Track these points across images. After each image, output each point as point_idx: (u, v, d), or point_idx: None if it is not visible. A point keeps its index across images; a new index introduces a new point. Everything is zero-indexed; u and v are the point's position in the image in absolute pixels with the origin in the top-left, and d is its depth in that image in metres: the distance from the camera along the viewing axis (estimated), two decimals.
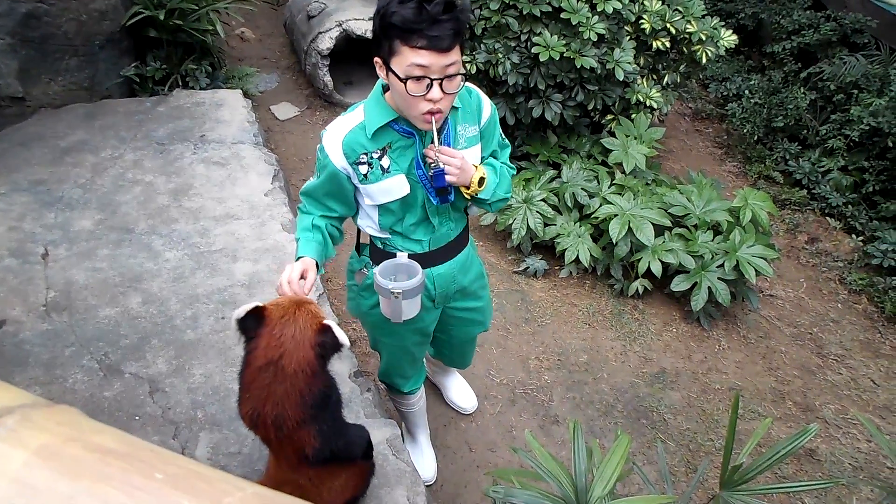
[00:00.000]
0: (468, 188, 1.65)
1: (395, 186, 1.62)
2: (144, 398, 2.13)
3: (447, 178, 1.58)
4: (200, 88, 3.81)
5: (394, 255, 1.75)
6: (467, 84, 1.63)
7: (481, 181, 1.65)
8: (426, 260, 1.76)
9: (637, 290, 3.30)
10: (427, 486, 2.41)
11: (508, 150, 1.86)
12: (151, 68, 3.71)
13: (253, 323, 1.44)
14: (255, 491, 0.45)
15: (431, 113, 1.49)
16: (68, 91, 3.42)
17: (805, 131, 4.56)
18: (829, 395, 3.08)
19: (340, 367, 2.35)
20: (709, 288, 3.17)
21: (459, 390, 2.73)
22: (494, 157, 1.81)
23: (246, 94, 3.92)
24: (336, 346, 1.46)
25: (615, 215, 3.24)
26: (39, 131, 3.19)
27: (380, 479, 2.00)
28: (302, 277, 1.59)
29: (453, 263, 1.84)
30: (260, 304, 1.45)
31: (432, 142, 1.58)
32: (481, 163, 1.74)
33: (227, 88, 3.87)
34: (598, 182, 3.49)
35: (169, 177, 3.08)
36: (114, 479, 0.45)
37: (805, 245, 4.02)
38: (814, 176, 4.30)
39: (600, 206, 3.34)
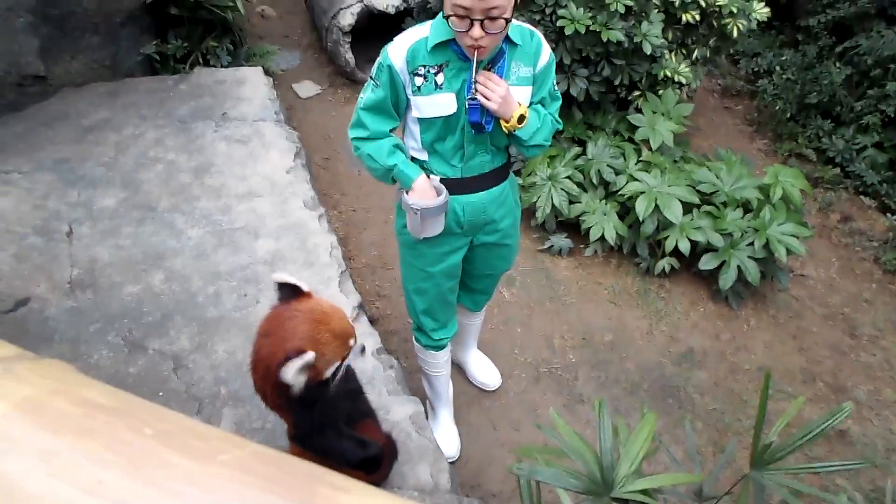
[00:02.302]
0: (507, 122, 1.69)
1: (444, 103, 1.69)
2: (168, 374, 2.14)
3: (487, 103, 1.64)
4: (222, 66, 3.79)
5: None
6: (532, 28, 1.72)
7: (521, 119, 1.69)
8: (457, 186, 1.81)
9: (664, 268, 3.23)
10: (450, 462, 2.39)
11: (558, 104, 1.87)
12: (172, 46, 3.70)
13: (287, 294, 1.45)
14: (254, 449, 0.41)
15: (474, 48, 1.56)
16: (90, 69, 3.42)
17: (839, 108, 4.41)
18: (861, 375, 3.00)
19: (364, 344, 2.33)
20: (738, 266, 3.09)
21: (481, 367, 2.70)
22: (543, 106, 1.83)
23: (267, 72, 3.90)
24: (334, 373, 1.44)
25: (642, 192, 3.17)
26: (62, 110, 3.20)
27: (403, 456, 1.99)
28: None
29: (485, 195, 1.86)
30: (305, 288, 1.45)
31: (480, 70, 1.65)
32: (529, 106, 1.77)
33: (249, 66, 3.85)
34: (625, 159, 3.42)
35: (191, 155, 3.07)
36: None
37: (838, 224, 3.91)
38: (847, 153, 4.17)
39: (626, 183, 3.26)
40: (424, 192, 1.74)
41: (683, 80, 3.55)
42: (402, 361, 2.80)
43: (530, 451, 1.82)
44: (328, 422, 1.60)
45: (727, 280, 3.09)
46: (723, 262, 3.12)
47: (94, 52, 3.40)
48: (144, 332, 2.26)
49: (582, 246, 3.40)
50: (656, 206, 3.13)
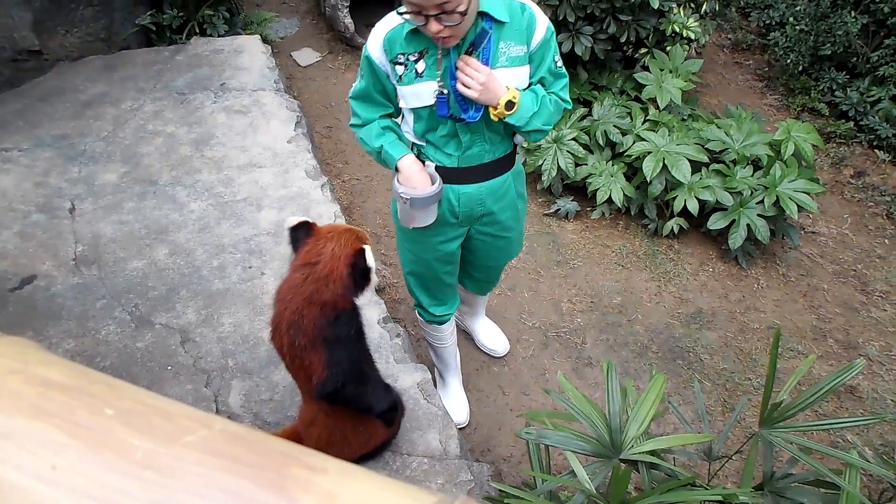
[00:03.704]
0: (495, 109, 1.58)
1: (426, 92, 1.59)
2: (176, 348, 2.14)
3: (466, 91, 1.53)
4: (218, 35, 3.72)
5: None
6: (526, 2, 1.58)
7: (511, 105, 1.57)
8: (453, 175, 1.72)
9: (672, 229, 3.19)
10: (460, 428, 2.41)
11: (564, 82, 1.72)
12: (168, 16, 3.63)
13: (303, 234, 1.51)
14: (223, 427, 0.39)
15: (439, 39, 1.48)
16: (85, 43, 3.37)
17: (854, 59, 4.28)
18: (872, 332, 2.97)
19: (370, 314, 2.33)
20: (747, 225, 3.05)
21: (489, 333, 2.69)
22: (544, 85, 1.69)
23: (265, 40, 3.83)
24: (366, 270, 1.48)
25: (649, 152, 3.11)
26: (59, 85, 3.17)
27: (412, 423, 2.00)
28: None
29: (483, 187, 1.77)
30: (310, 220, 1.53)
31: (461, 55, 1.54)
32: (527, 88, 1.65)
33: (246, 34, 3.78)
34: (632, 119, 3.34)
35: (190, 127, 3.04)
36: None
37: (850, 179, 3.83)
38: (862, 106, 4.06)
39: (633, 143, 3.20)
40: (411, 174, 1.65)
41: (692, 36, 3.45)
42: (410, 329, 2.80)
43: (539, 416, 1.82)
44: (363, 360, 1.63)
45: (737, 239, 3.04)
46: (732, 222, 3.07)
47: (89, 25, 3.34)
48: (151, 307, 2.27)
49: (589, 209, 3.36)
50: (664, 165, 3.07)
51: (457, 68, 1.55)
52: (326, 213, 2.70)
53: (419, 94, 1.60)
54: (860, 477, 1.46)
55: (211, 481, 0.36)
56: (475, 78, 1.52)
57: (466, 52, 1.55)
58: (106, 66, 3.32)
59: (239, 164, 2.87)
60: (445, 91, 1.57)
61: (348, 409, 1.68)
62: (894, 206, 3.59)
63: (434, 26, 1.44)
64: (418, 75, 1.58)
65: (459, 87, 1.54)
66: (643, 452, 1.58)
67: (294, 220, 1.53)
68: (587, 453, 1.61)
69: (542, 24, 1.60)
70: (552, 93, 1.69)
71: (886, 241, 3.44)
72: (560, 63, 1.69)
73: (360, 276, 1.49)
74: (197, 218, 2.61)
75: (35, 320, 2.16)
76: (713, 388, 2.69)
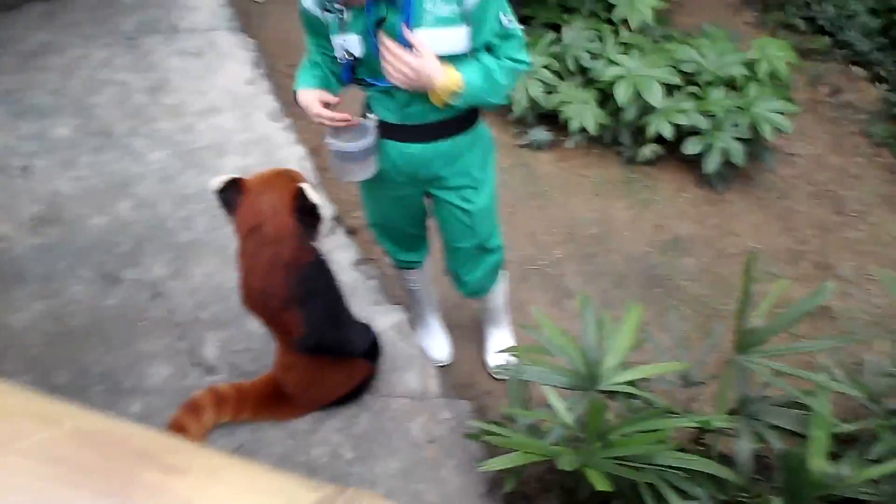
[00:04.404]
0: (437, 95, 1.43)
1: (351, 45, 1.45)
2: (147, 303, 2.10)
3: (397, 80, 1.39)
4: None
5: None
6: None
7: (455, 95, 1.43)
8: (395, 132, 1.58)
9: (647, 155, 3.14)
10: (442, 366, 2.42)
11: (517, 41, 1.51)
12: None
13: (234, 194, 1.43)
14: (75, 426, 0.34)
15: None
16: None
17: None
18: (847, 252, 2.99)
19: (341, 256, 2.29)
20: (722, 149, 3.01)
21: (495, 345, 2.42)
22: (490, 50, 1.50)
23: None
24: (313, 208, 1.40)
25: (621, 77, 3.02)
26: None
27: (390, 364, 1.99)
28: (326, 106, 1.51)
29: (429, 148, 1.61)
30: (236, 175, 1.44)
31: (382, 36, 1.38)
32: (470, 55, 1.47)
33: None
34: (602, 42, 3.23)
35: (143, 73, 2.89)
36: None
37: (827, 97, 3.78)
38: (839, 21, 3.96)
39: (605, 68, 3.11)
40: (307, 105, 1.51)
41: None
42: (387, 270, 2.77)
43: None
44: (338, 305, 1.60)
45: (712, 163, 3.01)
46: (708, 146, 3.03)
47: None
48: (117, 263, 2.20)
49: (562, 138, 3.29)
50: (637, 90, 3.00)
51: (378, 40, 1.39)
52: (292, 156, 2.62)
53: (345, 45, 1.46)
54: (832, 397, 1.49)
55: (41, 496, 0.31)
56: (402, 66, 1.37)
57: (386, 15, 1.38)
58: (46, 12, 3.12)
59: (197, 110, 2.75)
60: (349, 55, 1.45)
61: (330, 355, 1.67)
62: (870, 123, 3.56)
63: None
64: (342, 26, 1.44)
65: (389, 76, 1.40)
66: (620, 383, 1.59)
67: (218, 182, 1.44)
68: (564, 386, 1.62)
69: None
70: (507, 58, 1.50)
71: (861, 159, 3.43)
72: (510, 21, 1.48)
73: (308, 217, 1.43)
74: (158, 168, 2.52)
75: None
76: (691, 314, 2.71)
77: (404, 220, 1.89)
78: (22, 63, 2.87)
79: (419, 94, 1.49)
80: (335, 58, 1.54)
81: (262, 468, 0.36)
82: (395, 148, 1.61)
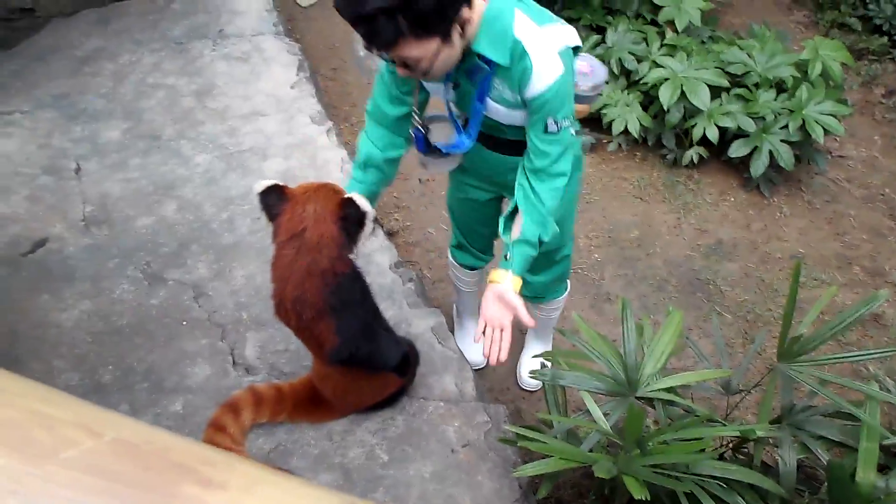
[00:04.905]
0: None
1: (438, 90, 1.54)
2: (190, 303, 2.15)
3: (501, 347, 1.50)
4: None
5: None
6: (530, 46, 1.32)
7: (523, 280, 1.53)
8: (481, 138, 1.59)
9: (692, 158, 3.08)
10: (478, 370, 2.41)
11: (557, 150, 1.45)
12: None
13: (276, 200, 1.43)
14: (116, 437, 0.33)
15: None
16: None
17: None
18: None
19: (381, 259, 2.31)
20: (770, 152, 2.92)
21: (528, 364, 2.42)
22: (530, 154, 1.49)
23: None
24: (360, 217, 1.41)
25: (666, 79, 2.97)
26: (54, 43, 3.10)
27: (427, 367, 2.00)
28: None
29: (508, 159, 1.62)
30: (280, 182, 1.44)
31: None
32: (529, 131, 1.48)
33: None
34: (647, 44, 3.18)
35: (191, 77, 2.97)
36: None
37: (882, 99, 3.64)
38: None
39: (650, 70, 3.05)
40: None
41: None
42: (426, 272, 2.78)
43: (554, 356, 1.80)
44: (371, 316, 1.61)
45: (758, 167, 2.93)
46: (754, 148, 2.95)
47: None
48: (162, 264, 2.26)
49: (605, 140, 3.25)
50: (682, 92, 2.94)
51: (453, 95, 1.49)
52: (334, 159, 2.65)
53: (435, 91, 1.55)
54: (882, 407, 1.43)
55: None
56: (499, 337, 1.49)
57: (460, 82, 1.44)
58: (100, 19, 3.24)
59: (242, 114, 2.81)
60: (422, 128, 1.52)
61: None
62: None
63: (401, 71, 1.34)
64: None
65: (490, 355, 1.49)
66: (659, 390, 1.56)
67: (263, 184, 1.44)
68: (602, 392, 1.59)
69: (540, 83, 1.34)
70: (542, 179, 1.48)
71: None
72: (561, 124, 1.42)
73: (353, 226, 1.44)
74: (203, 171, 2.58)
75: (50, 283, 2.17)
76: (734, 320, 2.65)
77: (476, 219, 1.91)
78: (76, 68, 2.98)
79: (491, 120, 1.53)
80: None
81: (300, 482, 0.36)
82: (477, 150, 1.62)
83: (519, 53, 1.33)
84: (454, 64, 1.36)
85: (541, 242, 1.53)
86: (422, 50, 1.26)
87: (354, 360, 1.56)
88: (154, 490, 0.32)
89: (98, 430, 0.34)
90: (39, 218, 2.38)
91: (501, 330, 1.49)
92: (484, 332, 1.49)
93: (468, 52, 1.36)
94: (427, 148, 1.57)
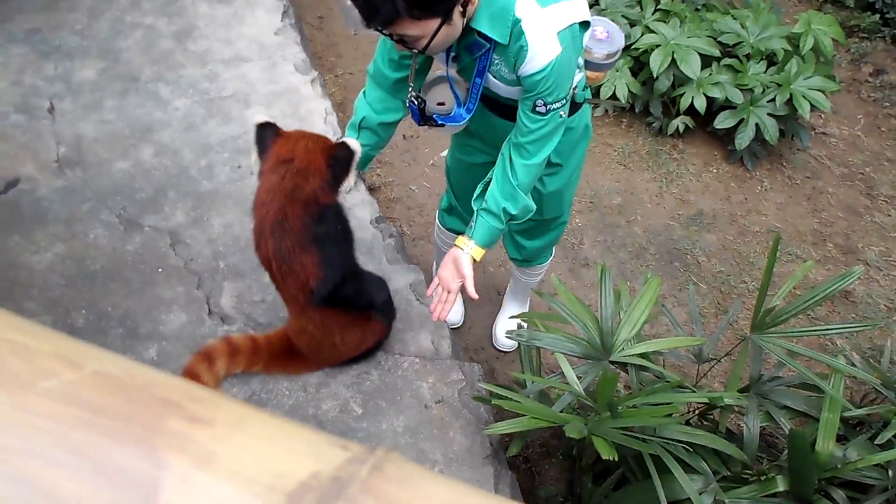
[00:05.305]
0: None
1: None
2: (166, 250, 2.12)
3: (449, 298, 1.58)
4: None
5: None
6: (527, 26, 1.31)
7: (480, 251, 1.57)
8: (483, 101, 1.58)
9: (678, 127, 3.07)
10: (454, 329, 2.43)
11: (540, 131, 1.45)
12: None
13: (270, 136, 1.44)
14: (97, 370, 0.32)
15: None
16: None
17: None
18: (874, 236, 2.93)
19: (361, 213, 2.29)
20: (756, 125, 2.93)
21: (504, 325, 2.43)
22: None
23: None
24: (348, 159, 1.42)
25: (657, 45, 2.94)
26: None
27: (404, 324, 2.00)
28: None
29: (502, 122, 1.61)
30: (278, 125, 1.46)
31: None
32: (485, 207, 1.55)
33: None
34: (641, 8, 3.14)
35: (170, 18, 2.86)
36: None
37: (869, 78, 3.65)
38: None
39: (642, 35, 3.02)
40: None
41: None
42: (405, 229, 2.76)
43: (531, 317, 1.82)
44: (355, 259, 1.61)
45: (744, 139, 2.94)
46: (741, 121, 2.95)
47: None
48: (139, 209, 2.22)
49: (592, 105, 3.22)
50: (673, 60, 2.91)
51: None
52: (317, 110, 2.59)
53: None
54: (845, 381, 1.47)
55: (60, 439, 0.30)
56: (445, 299, 1.56)
57: (461, 56, 1.44)
58: None
59: (224, 58, 2.73)
60: (416, 100, 1.51)
61: (343, 310, 1.67)
62: None
63: (398, 46, 1.35)
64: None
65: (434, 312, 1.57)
66: (633, 355, 1.59)
67: (262, 118, 1.45)
68: (577, 355, 1.62)
69: (534, 62, 1.33)
70: (515, 163, 1.49)
71: None
72: (550, 107, 1.41)
73: (340, 167, 1.43)
74: (182, 116, 2.51)
75: (21, 224, 2.12)
76: (709, 290, 2.69)
77: (474, 183, 1.89)
78: (50, 3, 2.85)
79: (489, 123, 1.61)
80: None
81: (290, 422, 0.35)
82: (483, 115, 1.61)
83: (517, 33, 1.32)
84: (454, 40, 1.36)
85: (511, 217, 1.55)
86: (421, 29, 1.26)
87: (341, 294, 1.55)
88: (138, 424, 0.31)
89: (78, 363, 0.33)
90: (10, 157, 2.31)
91: (449, 292, 1.56)
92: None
93: (468, 29, 1.36)
94: (423, 120, 1.56)
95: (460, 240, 1.57)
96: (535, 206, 1.58)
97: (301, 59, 2.78)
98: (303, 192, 1.41)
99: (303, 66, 2.76)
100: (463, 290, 1.59)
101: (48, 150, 2.35)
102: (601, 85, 3.01)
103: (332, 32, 3.51)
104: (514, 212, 1.53)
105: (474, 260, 1.56)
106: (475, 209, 1.57)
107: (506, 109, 1.56)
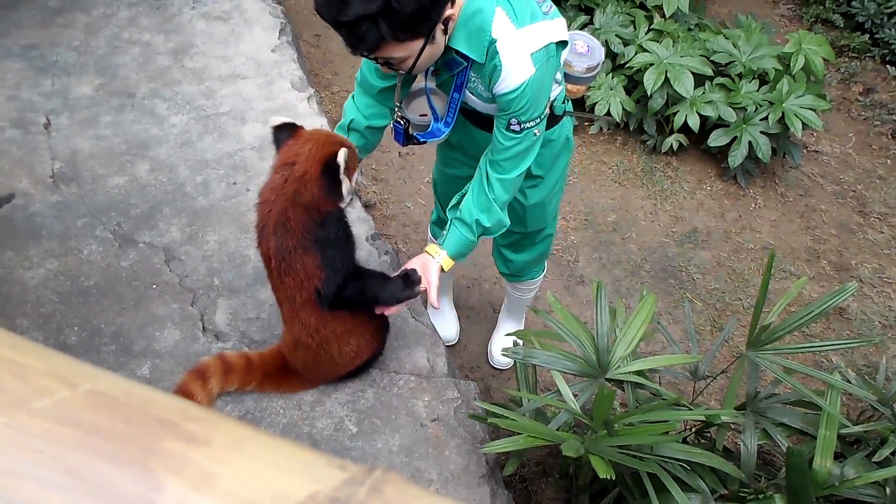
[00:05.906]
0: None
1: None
2: (160, 267, 2.11)
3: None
4: None
5: None
6: (505, 49, 1.34)
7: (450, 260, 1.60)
8: (466, 114, 1.64)
9: (671, 145, 3.09)
10: (449, 346, 2.42)
11: (515, 149, 1.47)
12: None
13: (286, 136, 1.48)
14: (92, 388, 0.32)
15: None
16: None
17: None
18: (867, 253, 2.94)
19: (357, 230, 2.29)
20: (749, 143, 2.95)
21: (500, 342, 2.44)
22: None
23: None
24: (335, 169, 1.45)
25: (651, 64, 2.97)
26: None
27: (399, 342, 1.99)
28: None
29: (479, 133, 1.66)
30: (298, 124, 1.51)
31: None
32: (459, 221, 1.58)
33: None
34: (635, 28, 3.17)
35: (168, 35, 2.88)
36: None
37: (859, 96, 3.69)
38: (878, 18, 3.85)
39: (636, 54, 3.05)
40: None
41: None
42: (401, 246, 2.76)
43: (527, 335, 1.81)
44: (355, 263, 1.62)
45: (737, 157, 2.96)
46: (734, 139, 2.97)
47: None
48: (133, 225, 2.21)
49: (587, 123, 3.25)
50: (666, 78, 2.94)
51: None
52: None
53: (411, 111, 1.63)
54: (841, 398, 1.47)
55: (53, 460, 0.30)
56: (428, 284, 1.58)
57: (440, 71, 1.50)
58: None
59: (220, 75, 2.74)
60: (401, 121, 1.55)
61: (339, 317, 1.63)
62: None
63: (384, 69, 1.41)
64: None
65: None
66: (629, 373, 1.58)
67: (279, 120, 1.50)
68: (573, 373, 1.61)
69: (508, 82, 1.36)
70: (491, 177, 1.52)
71: (889, 161, 3.35)
72: (524, 126, 1.43)
73: (331, 176, 1.45)
74: (178, 132, 2.51)
75: (15, 240, 2.11)
76: (704, 307, 2.69)
77: (450, 185, 1.90)
78: (48, 18, 2.86)
79: (469, 136, 1.67)
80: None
81: (287, 442, 0.35)
82: (465, 127, 1.65)
83: (492, 52, 1.35)
84: (438, 57, 1.40)
85: (484, 230, 1.56)
86: (406, 51, 1.30)
87: (345, 295, 1.55)
88: (134, 444, 0.30)
89: (73, 381, 0.32)
90: (5, 173, 2.30)
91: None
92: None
93: (446, 47, 1.39)
94: (406, 140, 1.60)
95: (431, 247, 1.59)
96: (508, 222, 1.60)
97: (298, 76, 2.79)
98: (303, 197, 1.44)
99: (299, 84, 2.77)
100: (425, 294, 1.60)
101: (43, 165, 2.34)
102: (596, 103, 3.04)
103: (329, 50, 3.53)
104: (487, 224, 1.55)
105: (442, 269, 1.58)
106: (449, 218, 1.60)
107: (486, 121, 1.58)
